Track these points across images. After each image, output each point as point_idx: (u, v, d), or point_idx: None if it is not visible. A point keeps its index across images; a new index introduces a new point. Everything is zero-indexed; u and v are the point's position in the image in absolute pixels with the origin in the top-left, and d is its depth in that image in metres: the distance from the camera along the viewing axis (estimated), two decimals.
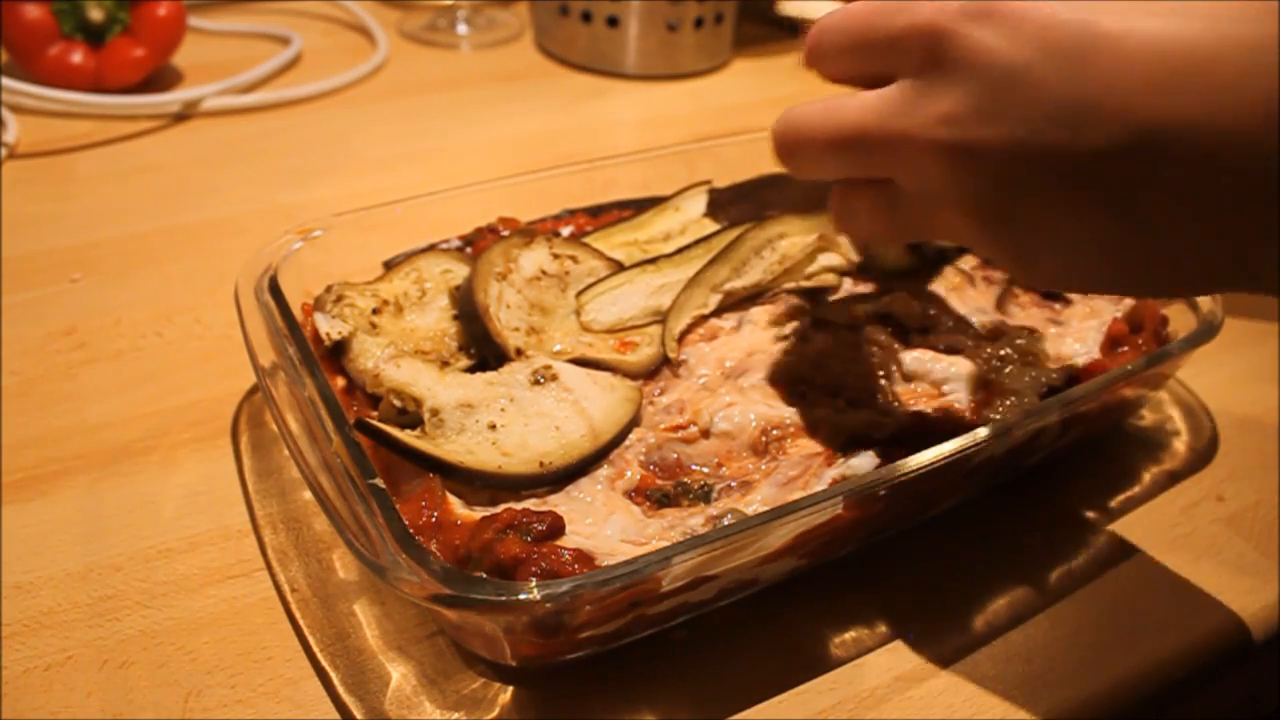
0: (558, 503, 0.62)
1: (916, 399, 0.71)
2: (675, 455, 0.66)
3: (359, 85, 1.34)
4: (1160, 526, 0.75)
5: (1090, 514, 0.76)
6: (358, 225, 0.80)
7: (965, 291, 0.82)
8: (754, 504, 0.62)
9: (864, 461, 0.64)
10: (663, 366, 0.72)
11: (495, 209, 0.86)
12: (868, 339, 0.75)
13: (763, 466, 0.66)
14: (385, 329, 0.72)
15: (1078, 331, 0.78)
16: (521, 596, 0.51)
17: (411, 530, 0.55)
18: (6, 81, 1.14)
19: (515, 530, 0.57)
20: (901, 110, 0.53)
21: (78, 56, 1.20)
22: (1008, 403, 0.70)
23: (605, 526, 0.60)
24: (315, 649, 0.62)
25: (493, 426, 0.64)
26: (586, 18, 1.38)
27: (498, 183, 0.88)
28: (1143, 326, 0.79)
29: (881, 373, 0.73)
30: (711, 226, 0.85)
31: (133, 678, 0.60)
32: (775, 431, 0.67)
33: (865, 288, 0.82)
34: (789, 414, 0.68)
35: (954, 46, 0.50)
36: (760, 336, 0.75)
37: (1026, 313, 0.81)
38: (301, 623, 0.64)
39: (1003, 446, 0.67)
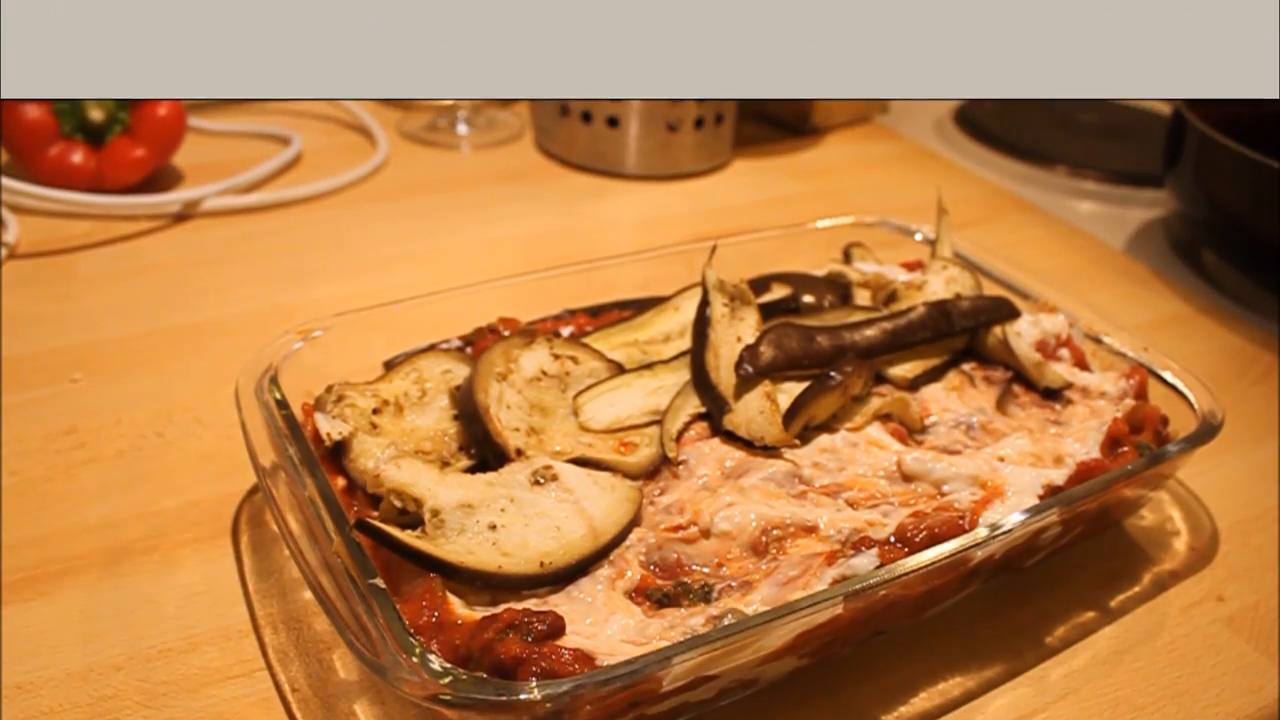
0: (558, 603, 0.61)
1: (916, 499, 0.71)
2: (675, 555, 0.66)
3: (359, 185, 1.36)
4: (1160, 626, 0.75)
5: (1090, 613, 0.76)
6: (358, 325, 0.81)
7: (965, 391, 0.82)
8: (754, 604, 0.62)
9: (864, 561, 0.64)
10: (663, 466, 0.72)
11: (495, 309, 0.86)
12: (867, 439, 0.75)
13: (763, 566, 0.65)
14: (386, 429, 0.72)
15: (1078, 432, 0.78)
16: (522, 696, 0.51)
17: (412, 630, 0.55)
18: (7, 181, 1.15)
19: (516, 630, 0.57)
20: None
21: (78, 156, 1.21)
22: (1008, 502, 0.70)
23: (606, 626, 0.60)
24: None
25: (493, 527, 0.64)
26: (587, 118, 1.40)
27: (498, 283, 0.89)
28: (1143, 427, 0.80)
29: (881, 472, 0.73)
30: None
31: None
32: (775, 531, 0.67)
33: None
34: (789, 514, 0.68)
35: None
36: None
37: (1027, 412, 0.82)
38: None
39: (1002, 546, 0.67)
